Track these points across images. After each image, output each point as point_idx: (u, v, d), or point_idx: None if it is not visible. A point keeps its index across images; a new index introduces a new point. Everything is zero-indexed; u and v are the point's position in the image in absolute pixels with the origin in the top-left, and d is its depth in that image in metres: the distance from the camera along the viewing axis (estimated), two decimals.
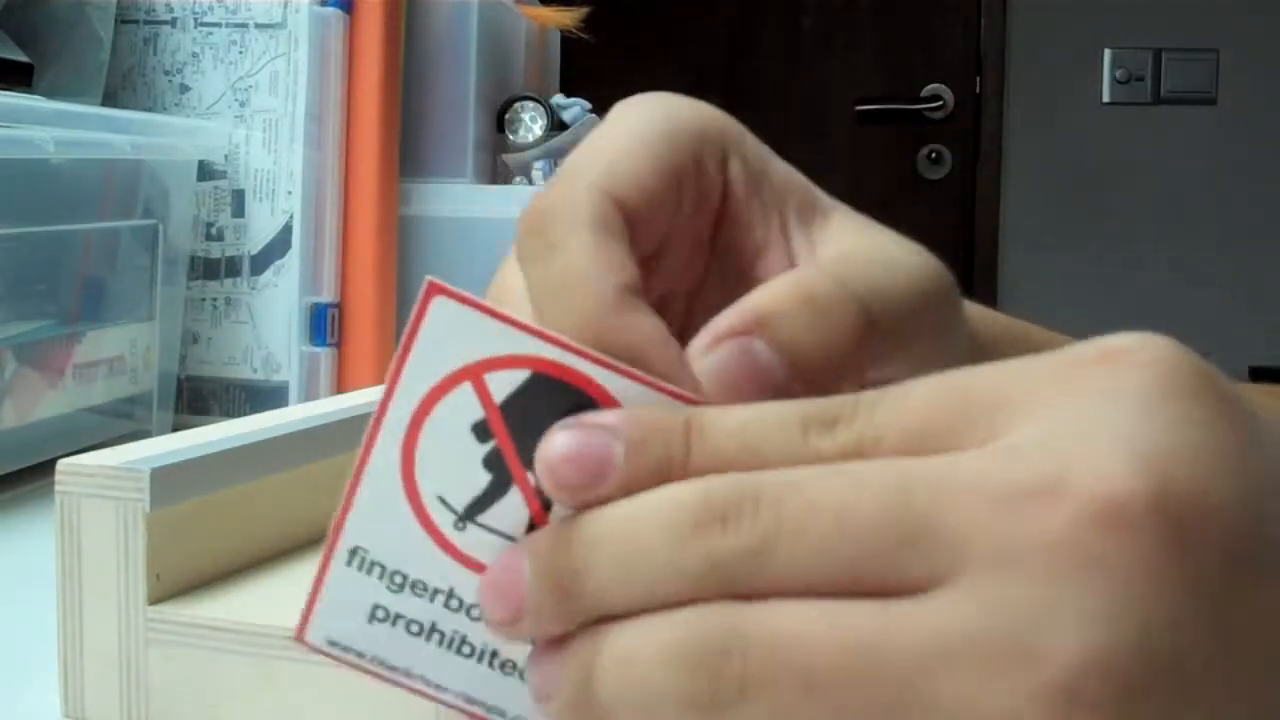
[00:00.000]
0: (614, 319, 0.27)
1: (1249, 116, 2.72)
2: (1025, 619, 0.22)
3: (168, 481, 0.39)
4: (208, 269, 0.88)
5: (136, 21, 0.90)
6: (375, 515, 0.27)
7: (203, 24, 0.89)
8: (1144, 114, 2.76)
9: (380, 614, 0.28)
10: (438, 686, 0.28)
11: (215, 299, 0.88)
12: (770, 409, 0.25)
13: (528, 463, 0.26)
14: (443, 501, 0.27)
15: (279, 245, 0.87)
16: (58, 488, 0.40)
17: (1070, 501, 0.22)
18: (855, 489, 0.23)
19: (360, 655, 0.28)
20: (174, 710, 0.39)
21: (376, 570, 0.27)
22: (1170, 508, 0.22)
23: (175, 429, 0.64)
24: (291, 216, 0.87)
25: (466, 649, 0.28)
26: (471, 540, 0.27)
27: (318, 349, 0.88)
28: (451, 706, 0.28)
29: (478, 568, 0.27)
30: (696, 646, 0.24)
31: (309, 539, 0.46)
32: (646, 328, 0.27)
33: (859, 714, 0.23)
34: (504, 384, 0.26)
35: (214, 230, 0.88)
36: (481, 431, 0.27)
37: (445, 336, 0.26)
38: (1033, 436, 0.23)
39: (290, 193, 0.87)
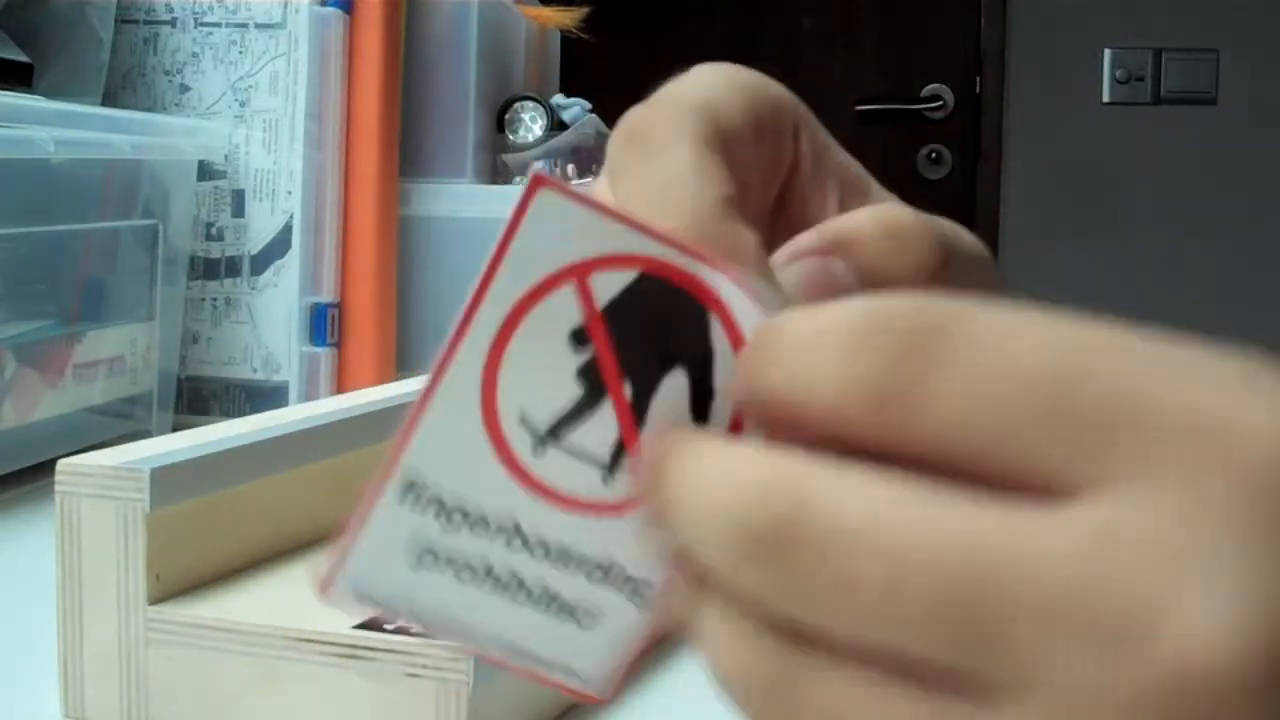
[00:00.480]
0: (714, 227, 0.26)
1: (1249, 116, 2.72)
2: None
3: (168, 481, 0.39)
4: (208, 269, 0.88)
5: (136, 21, 0.90)
6: (443, 440, 0.25)
7: (203, 24, 0.89)
8: (1144, 114, 2.76)
9: (429, 559, 0.25)
10: (482, 638, 0.26)
11: (215, 299, 0.88)
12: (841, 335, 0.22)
13: (627, 372, 0.25)
14: (524, 421, 0.25)
15: (279, 245, 0.87)
16: (58, 488, 0.40)
17: (1157, 659, 0.19)
18: (906, 568, 0.20)
19: (391, 607, 0.26)
20: (174, 710, 0.39)
21: (433, 507, 0.25)
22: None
23: (175, 429, 0.64)
24: (291, 216, 0.87)
25: (523, 594, 0.26)
26: (549, 465, 0.25)
27: (318, 349, 0.88)
28: (494, 661, 0.26)
29: (551, 496, 0.25)
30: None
31: (309, 539, 0.46)
32: (746, 239, 0.26)
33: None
34: (609, 285, 0.25)
35: (214, 230, 0.88)
36: (579, 338, 0.25)
37: (548, 234, 0.25)
38: (1131, 527, 0.19)
39: (290, 193, 0.87)
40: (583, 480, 0.25)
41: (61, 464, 0.40)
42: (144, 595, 0.39)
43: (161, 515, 0.39)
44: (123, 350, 0.80)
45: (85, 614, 0.40)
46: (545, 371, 0.25)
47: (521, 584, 0.26)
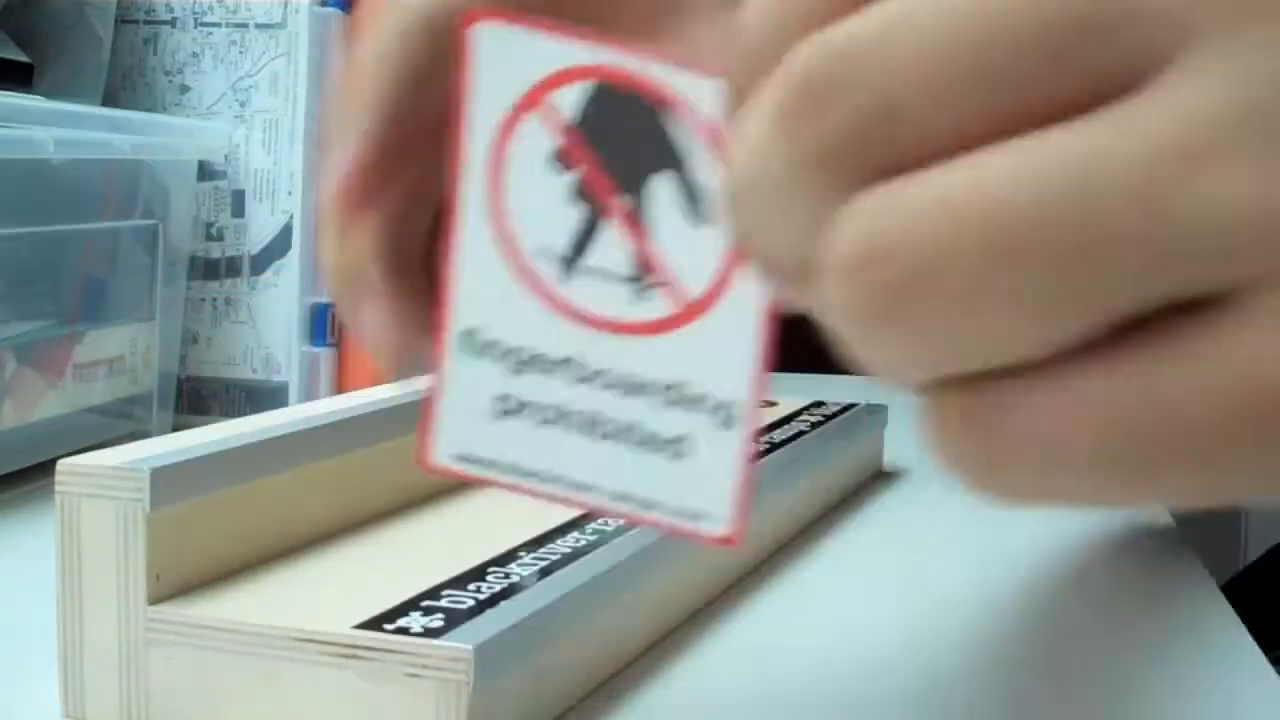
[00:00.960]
0: None
1: None
2: None
3: (168, 481, 0.39)
4: (208, 269, 0.88)
5: (136, 21, 0.90)
6: (481, 288, 0.25)
7: (203, 24, 0.89)
8: None
9: (508, 405, 0.25)
10: (581, 486, 0.26)
11: (215, 299, 0.88)
12: None
13: (619, 182, 0.25)
14: (545, 253, 0.25)
15: (279, 245, 0.87)
16: (58, 488, 0.40)
17: None
18: None
19: (492, 465, 0.26)
20: (174, 710, 0.39)
21: (495, 350, 0.25)
22: None
23: (175, 429, 0.64)
24: (291, 216, 0.87)
25: (605, 430, 0.26)
26: (582, 291, 0.25)
27: (318, 349, 0.87)
28: (600, 510, 0.26)
29: (594, 322, 0.25)
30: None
31: (309, 539, 0.46)
32: None
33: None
34: (569, 101, 0.25)
35: (214, 230, 0.88)
36: (561, 160, 0.25)
37: (497, 68, 0.25)
38: None
39: (290, 193, 0.87)
40: (616, 300, 0.25)
41: (61, 464, 0.40)
42: (144, 595, 0.39)
43: (161, 515, 0.39)
44: (123, 350, 0.80)
45: (85, 614, 0.40)
46: (544, 201, 0.25)
47: (599, 420, 0.26)
